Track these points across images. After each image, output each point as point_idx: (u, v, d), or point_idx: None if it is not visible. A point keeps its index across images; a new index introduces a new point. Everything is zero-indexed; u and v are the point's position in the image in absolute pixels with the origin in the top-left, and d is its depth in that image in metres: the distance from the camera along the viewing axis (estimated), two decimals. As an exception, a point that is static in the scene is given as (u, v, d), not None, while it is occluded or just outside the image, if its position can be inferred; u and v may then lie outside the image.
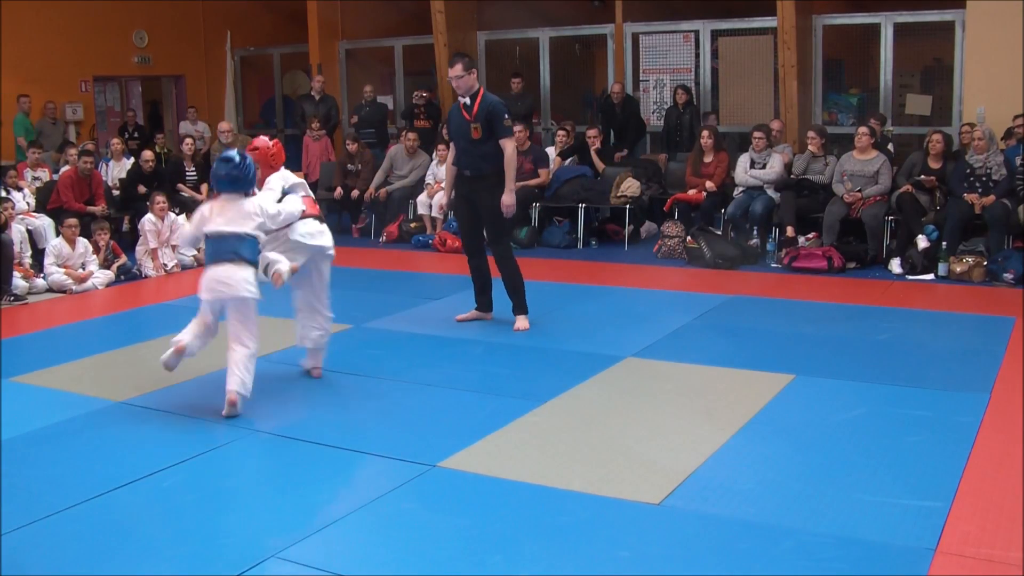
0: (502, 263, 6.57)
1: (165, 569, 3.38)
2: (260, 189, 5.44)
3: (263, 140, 5.68)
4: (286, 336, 6.51)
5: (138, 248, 9.09)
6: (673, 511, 3.74)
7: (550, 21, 12.79)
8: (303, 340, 5.65)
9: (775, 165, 9.23)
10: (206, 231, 5.12)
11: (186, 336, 5.04)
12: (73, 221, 8.57)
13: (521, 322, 6.60)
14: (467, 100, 6.38)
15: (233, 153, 5.20)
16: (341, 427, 4.79)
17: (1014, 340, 6.03)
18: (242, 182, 5.14)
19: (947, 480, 3.94)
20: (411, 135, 11.07)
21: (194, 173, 11.01)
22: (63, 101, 12.93)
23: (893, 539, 3.46)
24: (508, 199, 6.38)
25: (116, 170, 11.07)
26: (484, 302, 6.79)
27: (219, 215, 5.10)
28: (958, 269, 7.94)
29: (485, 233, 6.59)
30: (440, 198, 10.57)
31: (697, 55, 11.73)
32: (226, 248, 5.04)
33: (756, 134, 9.39)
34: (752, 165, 9.32)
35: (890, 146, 9.40)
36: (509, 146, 6.38)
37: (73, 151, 10.25)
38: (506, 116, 6.33)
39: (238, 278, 4.99)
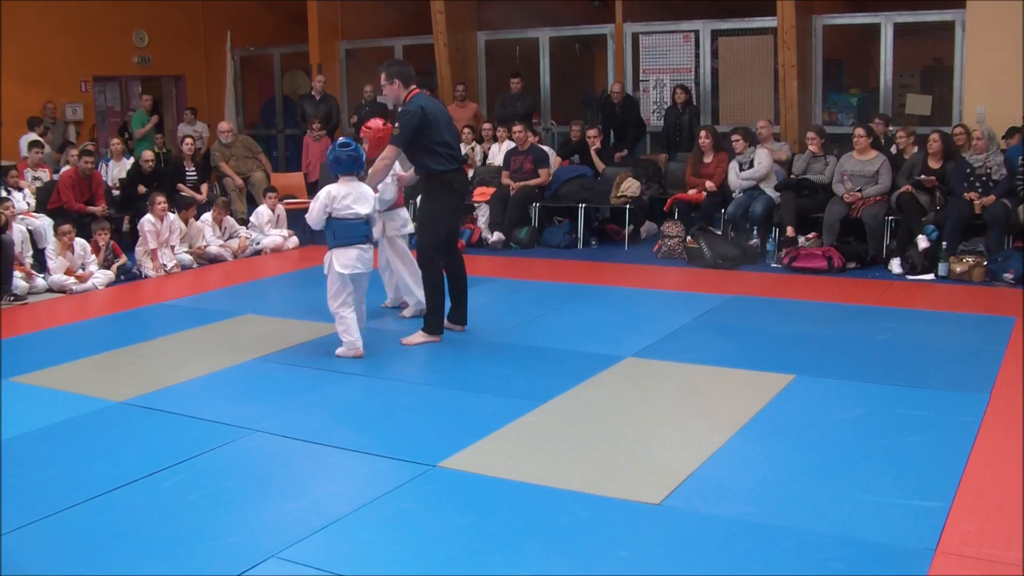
0: (423, 269, 6.29)
1: (165, 569, 3.38)
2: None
3: (377, 121, 6.78)
4: (286, 336, 6.52)
5: (138, 248, 9.09)
6: (673, 511, 3.74)
7: (550, 21, 12.79)
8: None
9: (763, 160, 9.23)
10: (336, 214, 5.82)
11: (353, 335, 5.89)
12: (67, 228, 8.53)
13: (416, 337, 6.27)
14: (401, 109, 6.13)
15: (348, 139, 6.00)
16: (341, 427, 4.79)
17: (1014, 340, 6.03)
18: (360, 163, 5.96)
19: (947, 480, 3.94)
20: (411, 135, 11.04)
21: (194, 173, 11.02)
22: (63, 101, 12.94)
23: (893, 539, 3.46)
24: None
25: (116, 170, 11.08)
26: (458, 313, 6.50)
27: (345, 198, 5.83)
28: (958, 269, 7.94)
29: (415, 235, 6.45)
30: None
31: (697, 55, 11.73)
32: (359, 231, 5.86)
33: (733, 137, 9.40)
34: (740, 168, 9.33)
35: (893, 148, 9.39)
36: (384, 153, 6.09)
37: (73, 151, 10.25)
38: (397, 124, 5.98)
39: (369, 257, 5.94)
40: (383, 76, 6.16)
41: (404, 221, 6.96)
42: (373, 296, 6.57)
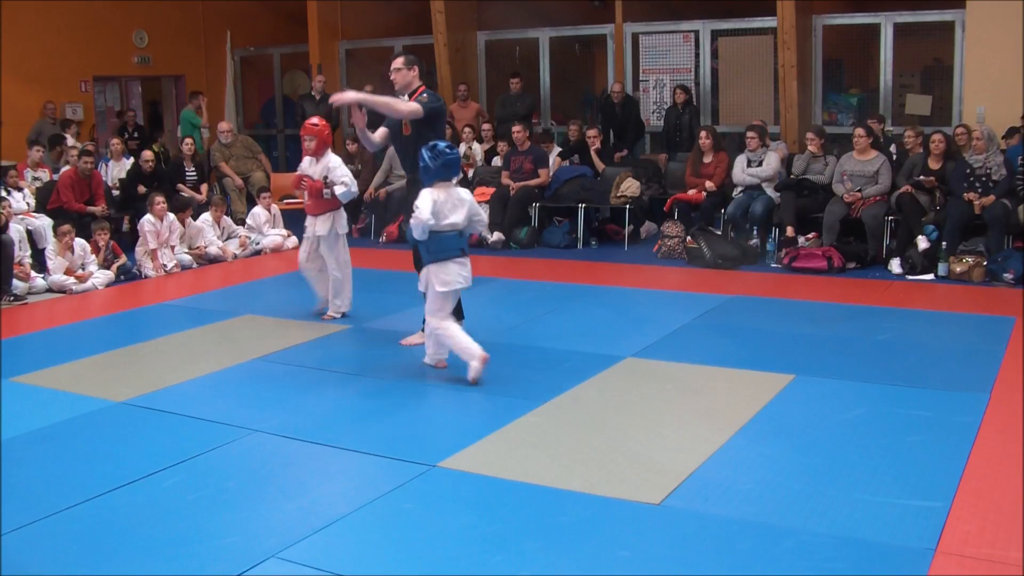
0: (419, 269, 6.05)
1: (165, 569, 3.38)
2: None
3: (319, 119, 6.87)
4: (286, 336, 6.52)
5: (138, 248, 9.09)
6: (673, 511, 3.74)
7: (550, 21, 12.79)
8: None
9: (771, 162, 9.24)
10: (439, 225, 5.30)
11: (464, 341, 5.38)
12: (66, 228, 8.53)
13: (416, 337, 6.23)
14: (404, 98, 6.02)
15: (440, 141, 5.48)
16: (341, 427, 4.79)
17: (1014, 340, 6.03)
18: (458, 167, 5.49)
19: (947, 480, 3.94)
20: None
21: (194, 173, 11.02)
22: (63, 101, 12.93)
23: (893, 539, 3.46)
24: (350, 95, 5.78)
25: (116, 170, 11.07)
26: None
27: (443, 205, 5.33)
28: (958, 269, 7.94)
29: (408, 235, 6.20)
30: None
31: (697, 55, 11.73)
32: (455, 244, 5.41)
33: (749, 134, 9.41)
34: (749, 164, 9.34)
35: (892, 147, 9.39)
36: (413, 105, 5.84)
37: (73, 151, 10.25)
38: (425, 96, 5.89)
39: (468, 272, 5.49)
40: (403, 59, 6.04)
41: (344, 219, 6.97)
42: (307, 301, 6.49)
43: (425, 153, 5.36)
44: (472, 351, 5.34)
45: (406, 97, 6.01)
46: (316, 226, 6.88)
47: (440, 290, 5.36)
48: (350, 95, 5.80)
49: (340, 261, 6.92)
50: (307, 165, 7.00)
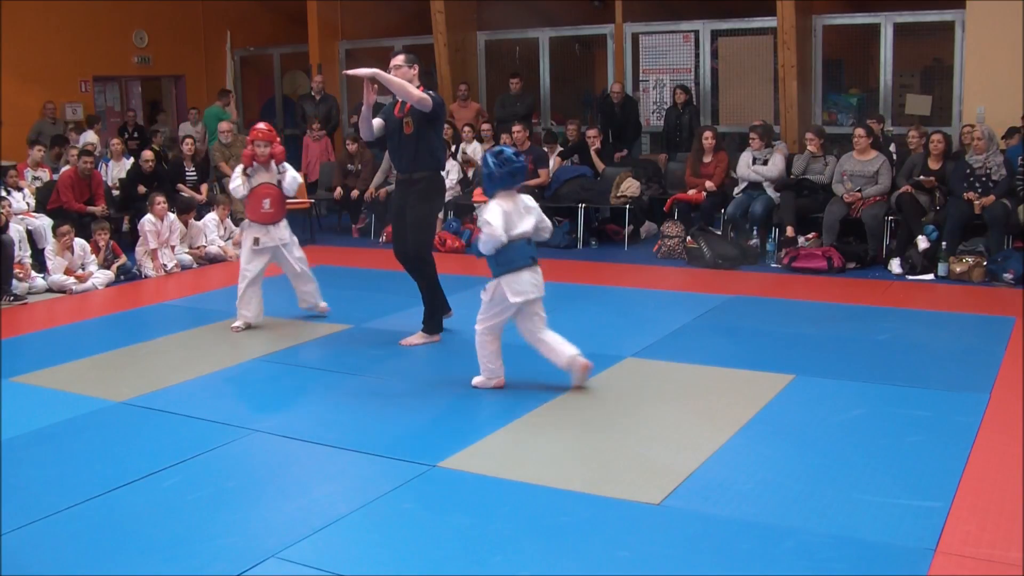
0: (419, 272, 6.21)
1: (165, 569, 3.38)
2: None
3: (264, 124, 6.66)
4: (286, 336, 6.52)
5: (138, 248, 9.09)
6: (673, 511, 3.74)
7: (550, 21, 12.79)
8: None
9: (777, 163, 9.24)
10: (512, 234, 5.06)
11: (496, 362, 5.25)
12: (66, 229, 8.53)
13: (416, 338, 6.25)
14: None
15: (504, 147, 5.26)
16: (341, 427, 4.79)
17: (1014, 340, 6.03)
18: (524, 174, 5.26)
19: (947, 480, 3.94)
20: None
21: (194, 173, 11.02)
22: (63, 101, 12.94)
23: (893, 539, 3.46)
24: (365, 70, 5.81)
25: (116, 170, 11.07)
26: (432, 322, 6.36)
27: (513, 215, 5.07)
28: (958, 269, 7.94)
29: (408, 237, 6.17)
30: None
31: (697, 55, 11.73)
32: (526, 252, 5.11)
33: (751, 135, 9.41)
34: (754, 162, 9.34)
35: (892, 147, 9.39)
36: (423, 94, 5.83)
37: (73, 151, 10.25)
38: (432, 92, 5.93)
39: (540, 279, 5.17)
40: (404, 57, 6.02)
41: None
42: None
43: (490, 159, 5.10)
44: (498, 371, 5.27)
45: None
46: (280, 233, 6.73)
47: (513, 300, 5.06)
48: (365, 70, 5.80)
49: (302, 257, 6.89)
50: (257, 175, 6.70)
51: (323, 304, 7.01)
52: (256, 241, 6.66)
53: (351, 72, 5.82)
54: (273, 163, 6.73)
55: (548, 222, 5.31)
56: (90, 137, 11.68)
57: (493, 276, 5.17)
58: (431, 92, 5.98)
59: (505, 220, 5.03)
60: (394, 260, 6.41)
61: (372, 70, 5.82)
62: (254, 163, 6.68)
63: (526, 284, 5.08)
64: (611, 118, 11.34)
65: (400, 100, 6.02)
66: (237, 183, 6.71)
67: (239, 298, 6.72)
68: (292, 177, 6.80)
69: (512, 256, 5.08)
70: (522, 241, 5.11)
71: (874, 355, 5.80)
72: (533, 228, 5.16)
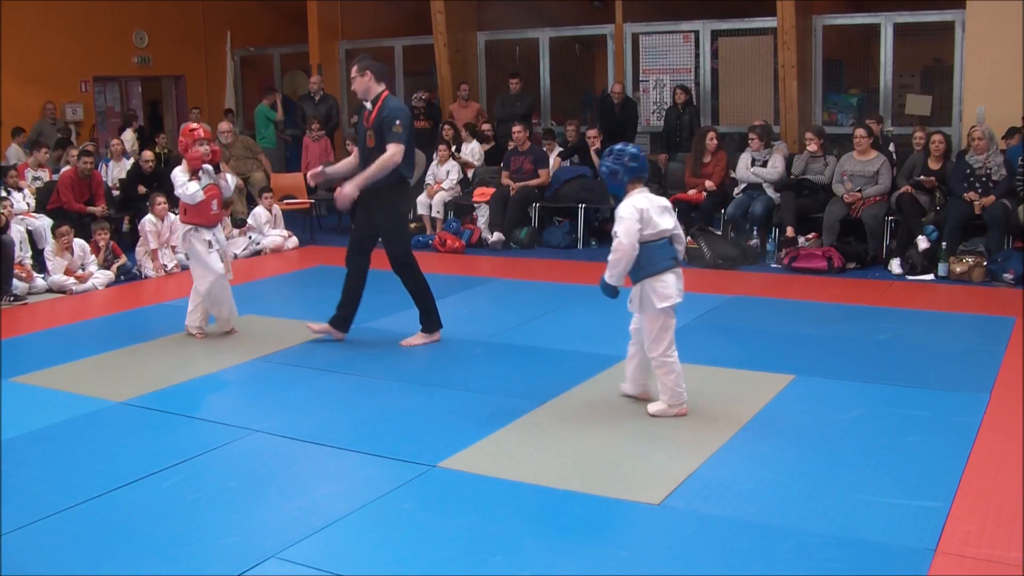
0: (405, 275, 6.22)
1: (165, 569, 3.38)
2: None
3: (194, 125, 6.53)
4: (286, 336, 6.52)
5: (138, 248, 9.09)
6: (673, 511, 3.74)
7: (550, 21, 12.80)
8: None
9: (777, 164, 9.24)
10: (647, 234, 4.57)
11: (682, 385, 4.75)
12: (64, 229, 8.52)
13: (416, 338, 6.25)
14: (368, 104, 6.00)
15: (628, 145, 4.81)
16: (341, 427, 4.79)
17: (1014, 340, 6.03)
18: (646, 167, 4.78)
19: (947, 480, 3.94)
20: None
21: (194, 173, 11.01)
22: (63, 101, 12.94)
23: (893, 539, 3.46)
24: (348, 188, 5.85)
25: (116, 170, 11.08)
26: (340, 318, 6.32)
27: (650, 211, 4.57)
28: (958, 269, 7.94)
29: (384, 248, 6.20)
30: (441, 196, 10.59)
31: (697, 55, 11.74)
32: (668, 252, 4.64)
33: (751, 136, 9.41)
34: (753, 163, 9.34)
35: (891, 147, 9.39)
36: (392, 149, 5.82)
37: (73, 151, 10.25)
38: (397, 122, 5.83)
39: (682, 283, 4.70)
40: (355, 68, 6.01)
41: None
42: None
43: (607, 161, 4.70)
44: (682, 397, 4.74)
45: (369, 105, 6.00)
46: (220, 235, 6.65)
47: (661, 306, 4.59)
48: (349, 189, 5.84)
49: (229, 264, 6.84)
50: (206, 176, 6.47)
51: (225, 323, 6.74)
52: (210, 244, 6.49)
53: (342, 205, 5.96)
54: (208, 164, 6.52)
55: (683, 234, 4.82)
56: (13, 151, 11.38)
57: (633, 282, 4.71)
58: (391, 102, 5.96)
59: (643, 217, 4.55)
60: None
61: (355, 184, 5.85)
62: (203, 164, 6.43)
63: (672, 286, 4.62)
64: (610, 119, 11.33)
65: (367, 110, 6.02)
66: (195, 188, 6.31)
67: (209, 300, 6.52)
68: (231, 177, 6.80)
69: (654, 257, 4.59)
70: (663, 240, 4.62)
71: (874, 355, 5.80)
72: (674, 225, 4.69)
